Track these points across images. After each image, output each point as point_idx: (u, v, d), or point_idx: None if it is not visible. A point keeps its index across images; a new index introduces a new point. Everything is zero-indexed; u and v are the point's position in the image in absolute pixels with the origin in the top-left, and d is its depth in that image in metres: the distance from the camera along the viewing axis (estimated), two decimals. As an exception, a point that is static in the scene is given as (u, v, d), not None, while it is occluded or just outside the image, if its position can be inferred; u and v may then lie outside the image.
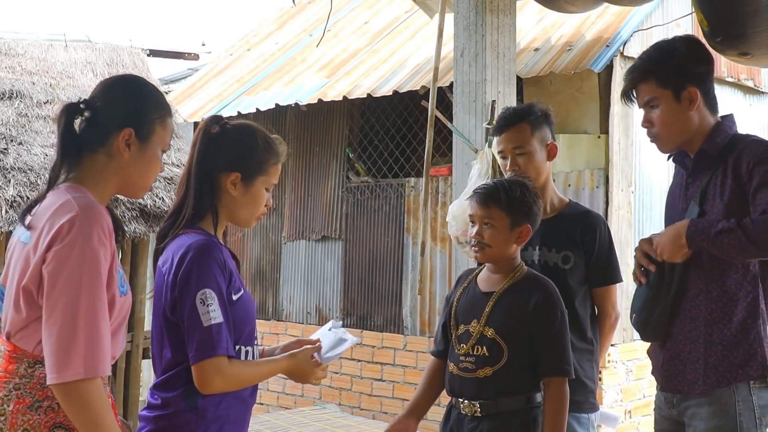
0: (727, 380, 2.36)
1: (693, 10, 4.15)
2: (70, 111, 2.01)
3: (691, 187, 2.50)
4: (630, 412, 5.76)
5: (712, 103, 2.50)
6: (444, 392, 2.67)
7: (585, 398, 2.89)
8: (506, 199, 2.52)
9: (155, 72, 7.43)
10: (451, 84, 5.00)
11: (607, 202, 5.67)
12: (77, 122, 2.02)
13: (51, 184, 1.98)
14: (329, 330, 2.44)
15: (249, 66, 8.65)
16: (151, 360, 2.38)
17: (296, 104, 7.17)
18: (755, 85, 6.80)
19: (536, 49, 6.10)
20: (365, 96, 6.72)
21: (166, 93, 8.02)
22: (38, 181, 4.98)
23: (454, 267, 4.94)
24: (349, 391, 6.96)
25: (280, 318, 7.65)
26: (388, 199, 6.93)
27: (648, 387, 5.73)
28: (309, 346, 2.36)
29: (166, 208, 5.07)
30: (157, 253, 2.27)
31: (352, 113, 7.28)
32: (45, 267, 1.84)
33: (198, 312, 2.08)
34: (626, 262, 5.06)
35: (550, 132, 3.00)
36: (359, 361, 6.88)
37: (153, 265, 2.29)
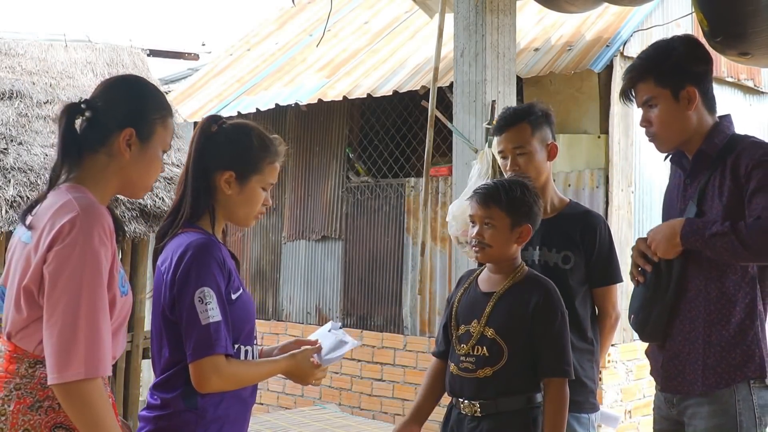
0: (726, 381, 2.36)
1: (693, 10, 4.15)
2: (71, 111, 2.01)
3: (690, 187, 2.50)
4: (630, 412, 5.76)
5: (710, 104, 2.49)
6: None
7: (585, 398, 2.89)
8: (506, 199, 2.52)
9: (155, 72, 7.43)
10: (451, 84, 5.00)
11: (607, 202, 5.68)
12: (78, 122, 2.03)
13: (52, 184, 1.98)
14: (329, 331, 2.43)
15: (249, 66, 8.65)
16: (150, 360, 2.38)
17: (296, 104, 7.17)
18: (755, 85, 6.80)
19: (536, 49, 6.10)
20: (365, 96, 6.72)
21: (166, 93, 8.02)
22: (38, 181, 4.98)
23: (454, 267, 4.94)
24: (349, 391, 6.96)
25: (280, 318, 7.65)
26: (388, 199, 6.93)
27: (648, 387, 5.73)
28: (309, 347, 2.36)
29: (166, 208, 5.08)
30: (157, 253, 2.28)
31: (352, 113, 7.28)
32: (46, 267, 1.84)
33: (196, 310, 2.08)
34: (626, 262, 5.01)
35: (550, 132, 3.00)
36: (359, 361, 6.88)
37: (153, 265, 2.29)
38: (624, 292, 4.84)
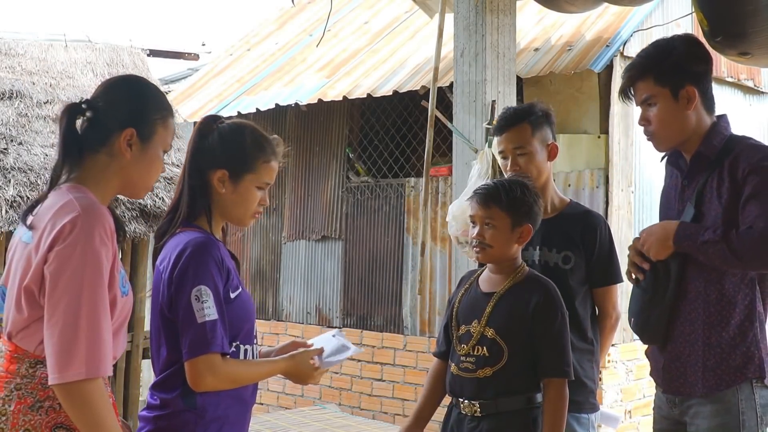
0: (726, 383, 2.37)
1: (693, 9, 4.15)
2: (71, 111, 2.01)
3: (687, 189, 2.49)
4: (630, 412, 5.76)
5: (709, 104, 2.49)
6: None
7: (585, 398, 2.89)
8: (507, 199, 2.52)
9: (155, 72, 7.44)
10: (451, 84, 5.00)
11: (607, 202, 5.68)
12: (79, 122, 2.03)
13: (53, 184, 1.98)
14: (333, 336, 2.44)
15: (249, 66, 8.65)
16: (150, 360, 2.38)
17: (296, 104, 7.17)
18: (755, 85, 6.80)
19: (536, 49, 6.10)
20: (365, 96, 6.72)
21: (166, 93, 8.02)
22: (38, 181, 4.99)
23: (454, 267, 4.94)
24: (349, 391, 6.96)
25: (280, 318, 7.65)
26: (388, 199, 6.93)
27: (648, 387, 5.73)
28: (310, 348, 2.36)
29: (165, 208, 5.06)
30: (157, 252, 2.28)
31: (352, 113, 7.28)
32: (47, 267, 1.84)
33: (193, 308, 2.08)
34: (626, 261, 5.05)
35: (551, 132, 3.00)
36: (359, 361, 6.88)
37: (153, 265, 2.29)
38: (624, 292, 4.84)
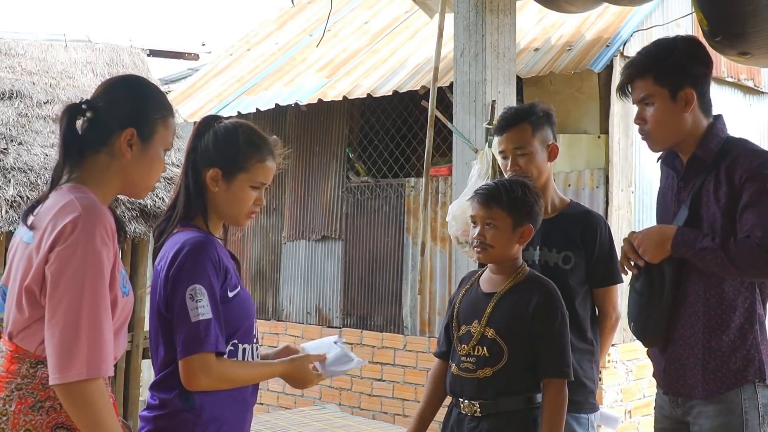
0: (726, 386, 2.37)
1: (693, 9, 4.15)
2: (71, 111, 2.01)
3: (683, 191, 2.49)
4: (630, 412, 5.76)
5: (706, 106, 2.48)
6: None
7: (585, 398, 2.88)
8: (508, 199, 2.52)
9: (155, 72, 7.43)
10: (451, 84, 5.00)
11: (607, 202, 5.68)
12: (79, 123, 2.03)
13: (53, 184, 1.98)
14: (335, 343, 2.41)
15: (249, 66, 8.65)
16: (150, 359, 2.38)
17: (296, 104, 7.17)
18: (755, 85, 6.80)
19: (536, 49, 6.11)
20: (365, 96, 6.72)
21: (167, 93, 8.01)
22: (38, 181, 4.99)
23: (454, 267, 4.94)
24: (349, 391, 6.96)
25: (280, 318, 7.65)
26: (388, 199, 6.93)
27: (648, 387, 5.73)
28: (312, 354, 2.35)
29: (165, 208, 5.07)
30: (156, 252, 2.29)
31: (352, 113, 7.28)
32: (48, 267, 1.84)
33: (187, 307, 2.08)
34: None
35: (551, 132, 3.00)
36: (359, 360, 6.87)
37: (153, 265, 2.30)
38: (624, 293, 4.84)
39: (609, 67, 5.69)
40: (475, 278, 2.67)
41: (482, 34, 4.50)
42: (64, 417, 1.88)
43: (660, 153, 2.62)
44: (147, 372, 6.03)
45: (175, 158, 5.57)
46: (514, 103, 4.61)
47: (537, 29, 6.43)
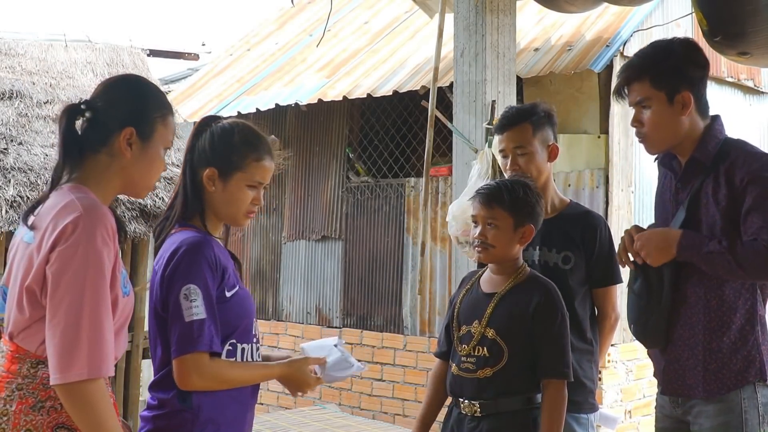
0: (727, 387, 2.37)
1: (693, 9, 4.15)
2: (70, 112, 2.01)
3: (681, 192, 2.49)
4: (630, 412, 5.76)
5: (703, 108, 2.47)
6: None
7: (584, 399, 2.89)
8: (509, 200, 2.52)
9: (155, 72, 7.44)
10: (451, 84, 5.00)
11: (607, 202, 5.68)
12: (78, 123, 2.03)
13: (53, 184, 1.98)
14: (335, 346, 2.39)
15: (249, 66, 8.65)
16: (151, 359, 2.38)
17: (296, 104, 7.17)
18: (755, 85, 6.80)
19: (536, 49, 6.11)
20: (365, 96, 6.72)
21: (167, 93, 8.02)
22: (38, 181, 4.99)
23: (454, 267, 4.94)
24: (349, 391, 6.96)
25: (280, 318, 7.65)
26: (388, 199, 6.93)
27: (648, 387, 5.73)
28: (311, 357, 2.34)
29: (165, 208, 5.07)
30: (157, 251, 2.29)
31: (352, 113, 7.28)
32: (49, 267, 1.84)
33: (181, 307, 2.08)
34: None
35: (552, 133, 3.00)
36: (359, 360, 6.87)
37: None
38: (624, 293, 4.84)
39: (609, 67, 5.69)
40: (476, 278, 2.67)
41: (482, 34, 4.50)
42: (64, 417, 1.88)
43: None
44: (147, 372, 6.03)
45: (175, 158, 5.58)
46: (514, 103, 4.61)
47: (537, 29, 6.43)
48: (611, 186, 5.67)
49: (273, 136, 2.38)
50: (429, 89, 4.95)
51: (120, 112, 2.01)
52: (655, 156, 2.62)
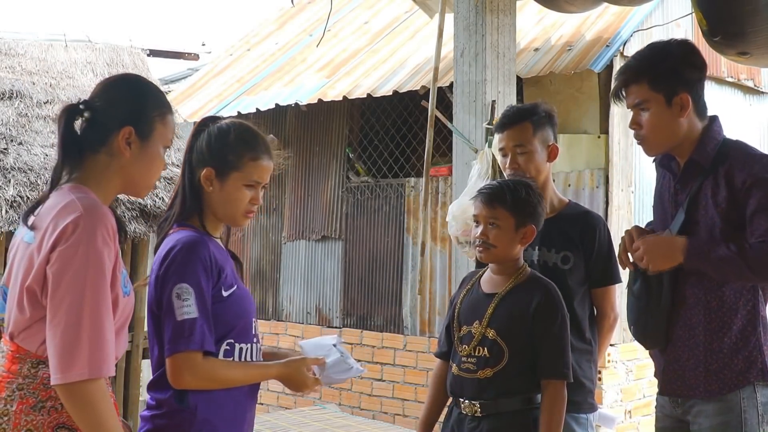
0: (728, 387, 2.37)
1: (692, 9, 4.15)
2: (69, 112, 2.01)
3: (680, 193, 2.48)
4: (630, 412, 5.76)
5: (701, 109, 2.47)
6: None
7: (584, 398, 2.89)
8: (511, 200, 2.52)
9: (155, 72, 7.44)
10: (451, 84, 5.00)
11: (607, 202, 5.68)
12: (78, 123, 2.03)
13: (53, 184, 1.98)
14: (334, 345, 2.38)
15: (249, 66, 8.65)
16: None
17: (296, 104, 7.17)
18: (755, 85, 6.79)
19: (536, 49, 6.11)
20: (365, 96, 6.72)
21: (167, 93, 8.02)
22: (38, 181, 4.99)
23: (454, 267, 4.94)
24: (349, 391, 6.96)
25: (280, 318, 7.66)
26: (388, 199, 6.93)
27: (648, 387, 5.73)
28: (309, 357, 2.33)
29: (165, 208, 5.07)
30: (157, 251, 2.29)
31: (352, 113, 7.28)
32: (49, 267, 1.84)
33: (173, 305, 2.09)
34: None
35: (552, 133, 3.00)
36: (359, 361, 6.87)
37: (153, 264, 2.31)
38: (623, 293, 4.84)
39: (609, 67, 5.69)
40: (476, 279, 2.67)
41: (482, 34, 4.50)
42: (65, 417, 1.88)
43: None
44: (147, 372, 6.02)
45: (175, 158, 5.58)
46: (514, 103, 4.61)
47: (537, 29, 6.43)
48: (611, 186, 5.67)
49: (272, 135, 2.38)
50: (429, 89, 4.95)
51: (118, 112, 2.01)
52: (654, 158, 2.62)
